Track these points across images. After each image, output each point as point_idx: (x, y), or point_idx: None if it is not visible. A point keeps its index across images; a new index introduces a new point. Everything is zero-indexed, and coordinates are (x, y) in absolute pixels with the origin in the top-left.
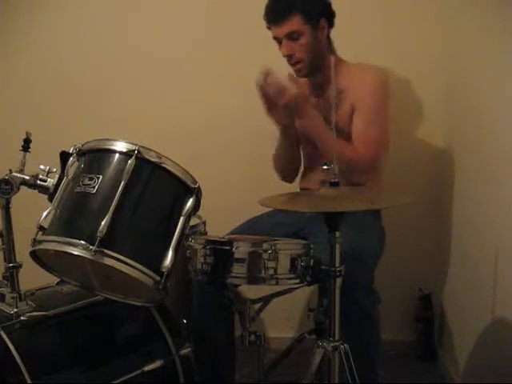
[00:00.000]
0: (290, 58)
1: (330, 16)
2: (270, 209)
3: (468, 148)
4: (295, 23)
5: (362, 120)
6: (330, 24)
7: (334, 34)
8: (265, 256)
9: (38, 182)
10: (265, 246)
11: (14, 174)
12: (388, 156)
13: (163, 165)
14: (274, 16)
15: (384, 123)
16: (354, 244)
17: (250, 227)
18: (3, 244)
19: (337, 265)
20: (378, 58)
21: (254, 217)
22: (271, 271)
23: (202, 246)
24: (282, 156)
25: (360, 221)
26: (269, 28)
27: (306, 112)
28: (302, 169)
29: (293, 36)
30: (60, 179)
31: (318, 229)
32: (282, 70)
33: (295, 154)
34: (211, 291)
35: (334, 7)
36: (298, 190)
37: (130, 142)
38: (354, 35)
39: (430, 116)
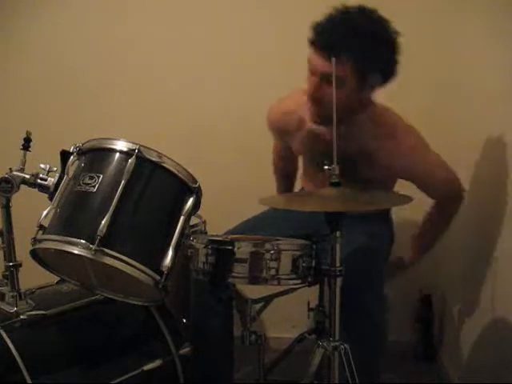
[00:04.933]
0: (315, 99)
1: (386, 74)
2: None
3: (468, 150)
4: (342, 69)
5: (422, 181)
6: (384, 81)
7: None
8: (267, 256)
9: (39, 180)
10: (267, 246)
11: (15, 172)
12: None
13: (164, 164)
14: (323, 44)
15: (432, 155)
16: (366, 246)
17: (250, 227)
18: (3, 243)
19: (337, 265)
20: None
21: (254, 216)
22: (273, 271)
23: (203, 246)
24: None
25: (372, 222)
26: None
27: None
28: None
29: (330, 79)
30: (60, 178)
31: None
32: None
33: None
34: (210, 290)
35: None
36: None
37: (130, 142)
38: None
39: (431, 118)
